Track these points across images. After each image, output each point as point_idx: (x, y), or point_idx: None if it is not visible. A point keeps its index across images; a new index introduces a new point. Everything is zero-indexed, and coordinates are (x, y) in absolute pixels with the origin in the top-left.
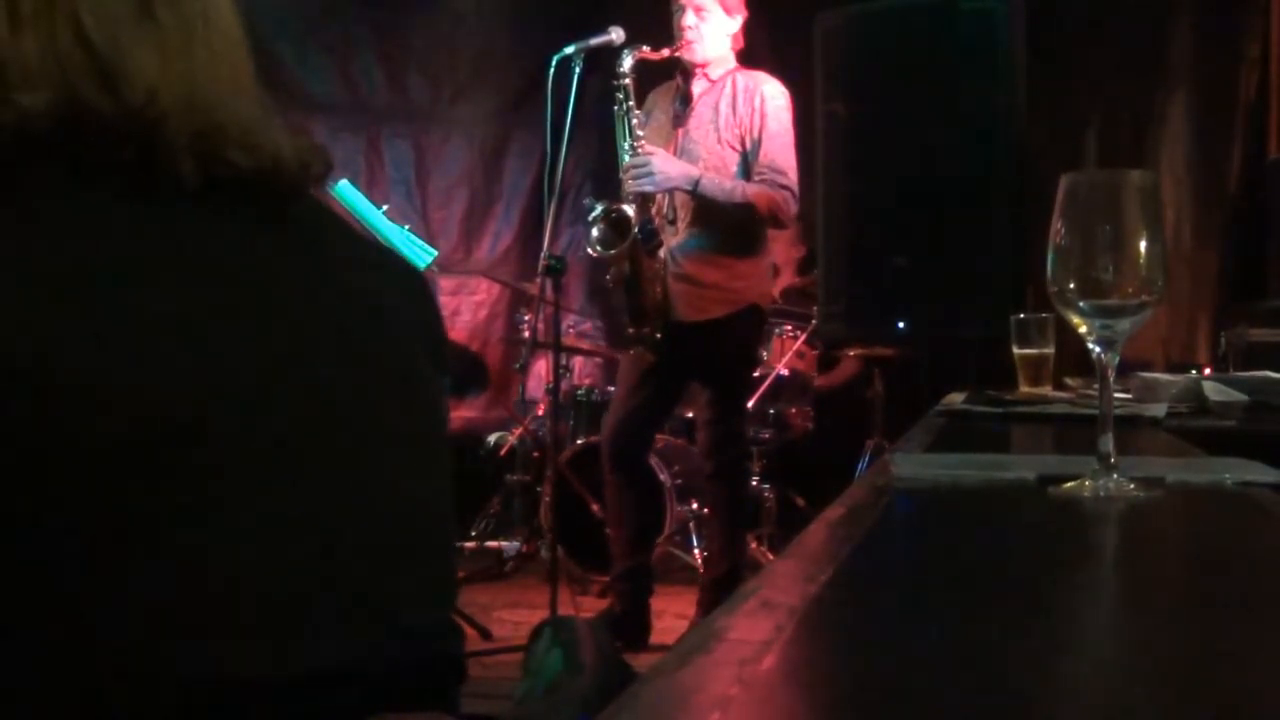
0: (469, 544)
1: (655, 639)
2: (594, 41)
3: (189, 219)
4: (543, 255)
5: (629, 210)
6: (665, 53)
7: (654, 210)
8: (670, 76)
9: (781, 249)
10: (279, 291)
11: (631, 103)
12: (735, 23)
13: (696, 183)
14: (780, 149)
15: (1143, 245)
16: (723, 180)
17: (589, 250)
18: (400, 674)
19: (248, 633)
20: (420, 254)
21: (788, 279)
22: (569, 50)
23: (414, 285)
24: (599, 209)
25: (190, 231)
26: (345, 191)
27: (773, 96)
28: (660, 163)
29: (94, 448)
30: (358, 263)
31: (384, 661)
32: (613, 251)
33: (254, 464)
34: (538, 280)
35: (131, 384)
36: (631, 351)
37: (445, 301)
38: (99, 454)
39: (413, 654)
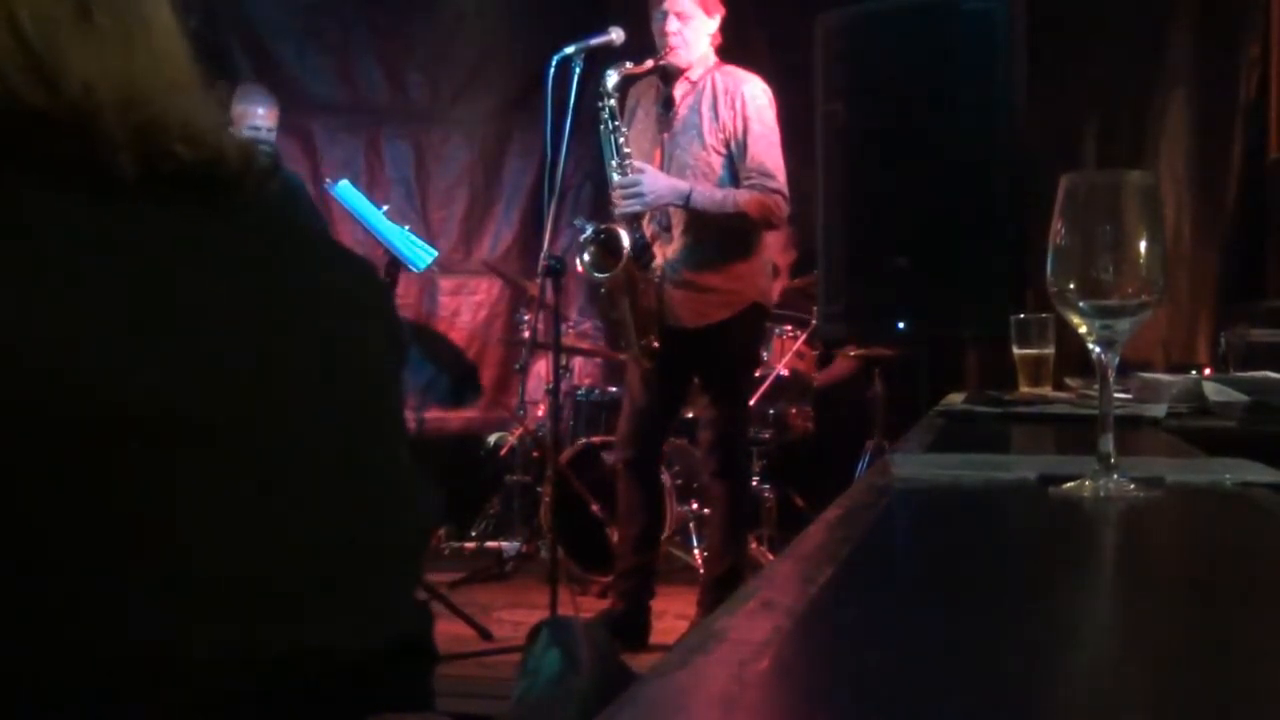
0: (469, 544)
1: (655, 639)
2: (594, 41)
3: (131, 210)
4: (543, 255)
5: (620, 230)
6: (649, 64)
7: (646, 219)
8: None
9: (774, 254)
10: (233, 279)
11: (618, 122)
12: (714, 22)
13: (688, 197)
14: (766, 150)
15: (1143, 245)
16: (713, 191)
17: (581, 271)
18: (367, 655)
19: (210, 614)
20: (420, 254)
21: (787, 280)
22: (569, 50)
23: (365, 271)
24: (589, 231)
25: (133, 222)
26: (345, 191)
27: (754, 97)
28: (649, 182)
29: (51, 439)
30: (306, 248)
31: (349, 642)
32: (608, 275)
33: (205, 448)
34: (537, 281)
35: (93, 375)
36: (631, 358)
37: (445, 302)
38: (56, 445)
39: (379, 635)
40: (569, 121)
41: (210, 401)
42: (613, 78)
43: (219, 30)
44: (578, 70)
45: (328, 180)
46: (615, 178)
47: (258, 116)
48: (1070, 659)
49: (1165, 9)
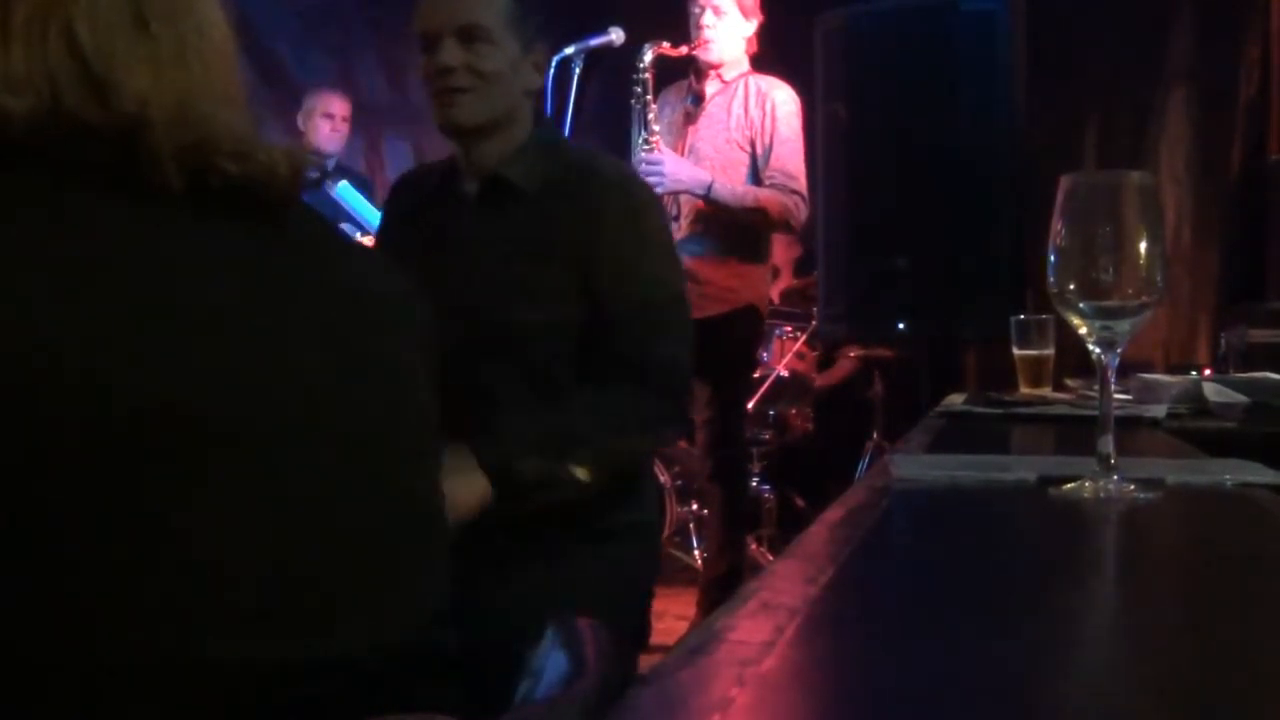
0: None
1: (655, 639)
2: (594, 42)
3: (175, 222)
4: None
5: None
6: (683, 50)
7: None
8: (682, 76)
9: (779, 250)
10: (269, 289)
11: (649, 96)
12: (750, 26)
13: (709, 188)
14: (790, 154)
15: (1143, 246)
16: (734, 186)
17: None
18: (392, 664)
19: (239, 621)
20: None
21: (785, 280)
22: (569, 51)
23: (402, 284)
24: None
25: (176, 233)
26: (346, 192)
27: (784, 103)
28: (672, 165)
29: (86, 441)
30: (343, 258)
31: (374, 651)
32: None
33: (241, 456)
34: None
35: (123, 377)
36: None
37: None
38: (77, 447)
39: (404, 644)
40: (569, 122)
41: (237, 410)
42: (648, 54)
43: None
44: (577, 71)
45: (328, 181)
46: (640, 153)
47: (332, 106)
48: (1071, 659)
49: (1165, 9)
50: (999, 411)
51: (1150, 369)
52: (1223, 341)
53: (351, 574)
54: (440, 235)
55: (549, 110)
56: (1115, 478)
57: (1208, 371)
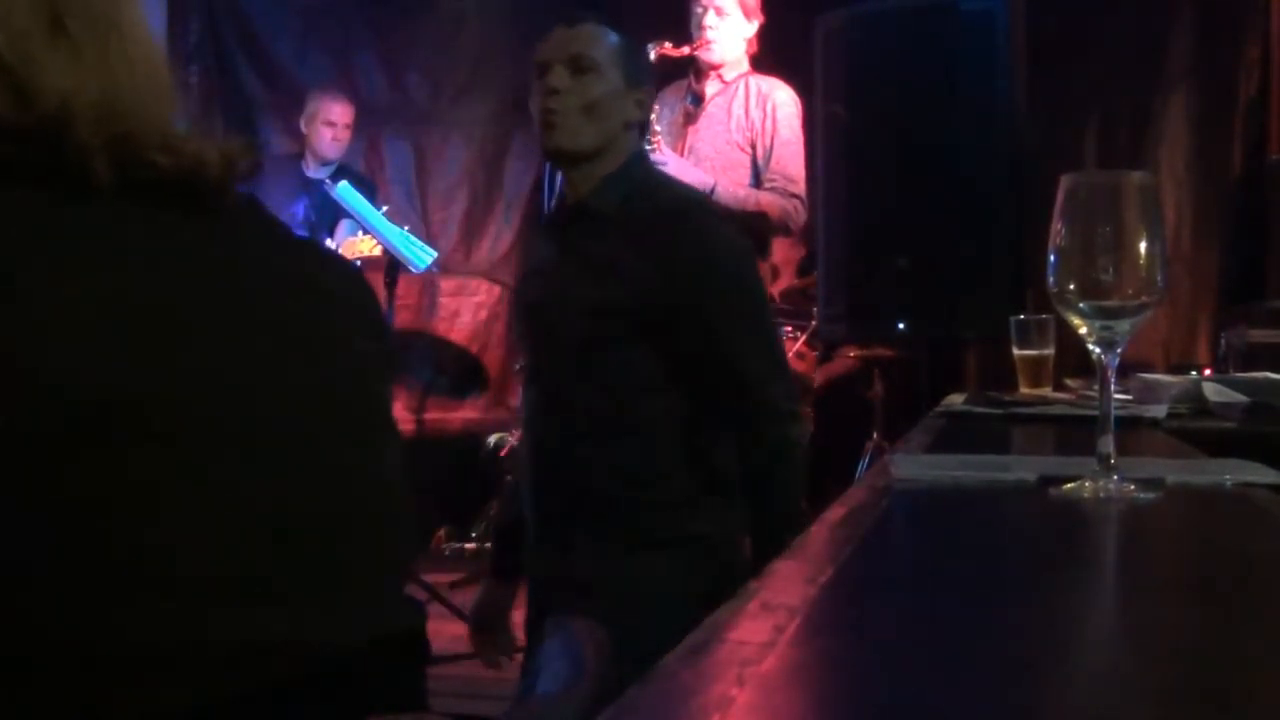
0: (469, 544)
1: None
2: None
3: (107, 215)
4: None
5: None
6: (685, 50)
7: None
8: (681, 76)
9: (782, 250)
10: (218, 282)
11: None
12: (752, 27)
13: (712, 190)
14: (791, 157)
15: (1143, 246)
16: (736, 189)
17: None
18: (357, 651)
19: (198, 613)
20: (420, 255)
21: (786, 280)
22: None
23: (347, 271)
24: None
25: (108, 226)
26: (346, 193)
27: (784, 104)
28: (676, 166)
29: (34, 436)
30: (289, 251)
31: (338, 637)
32: None
33: (188, 447)
34: None
35: (71, 371)
36: None
37: (445, 303)
38: (33, 445)
39: (368, 630)
40: None
41: (192, 400)
42: (650, 53)
43: (218, 30)
44: None
45: (328, 181)
46: None
47: (334, 113)
48: (1070, 660)
49: (1165, 9)
50: (999, 411)
51: (1150, 369)
52: (1223, 341)
53: (322, 564)
54: (540, 257)
55: None
56: (1115, 478)
57: (1208, 371)
